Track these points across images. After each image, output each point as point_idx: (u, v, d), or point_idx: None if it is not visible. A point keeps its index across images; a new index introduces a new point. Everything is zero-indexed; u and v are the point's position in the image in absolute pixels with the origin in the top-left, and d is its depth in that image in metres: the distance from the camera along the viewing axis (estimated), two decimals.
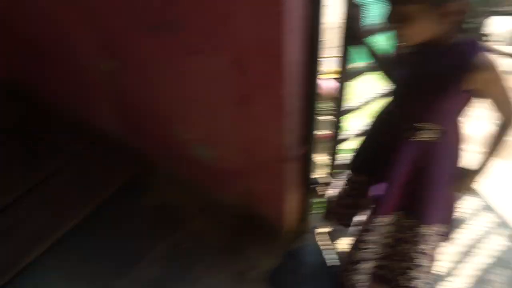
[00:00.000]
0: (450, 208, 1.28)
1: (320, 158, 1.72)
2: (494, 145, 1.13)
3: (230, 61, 1.35)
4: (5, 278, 1.62)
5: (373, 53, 1.28)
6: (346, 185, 1.45)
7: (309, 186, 1.69)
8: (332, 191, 1.58)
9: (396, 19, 0.98)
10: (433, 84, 1.03)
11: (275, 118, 1.39)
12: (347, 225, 1.54)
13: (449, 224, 1.30)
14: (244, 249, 1.76)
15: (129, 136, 2.11)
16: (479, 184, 1.23)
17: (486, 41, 1.04)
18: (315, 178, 1.72)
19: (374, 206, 1.27)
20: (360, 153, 1.39)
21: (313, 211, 1.82)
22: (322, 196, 1.73)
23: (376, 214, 1.25)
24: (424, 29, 0.96)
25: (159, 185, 2.06)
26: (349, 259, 1.39)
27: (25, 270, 1.69)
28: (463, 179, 1.22)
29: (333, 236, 1.81)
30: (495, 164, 1.18)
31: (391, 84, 1.23)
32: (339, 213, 1.54)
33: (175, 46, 1.47)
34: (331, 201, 1.58)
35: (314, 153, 1.58)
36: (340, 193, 1.49)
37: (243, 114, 1.48)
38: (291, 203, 1.69)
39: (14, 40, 2.21)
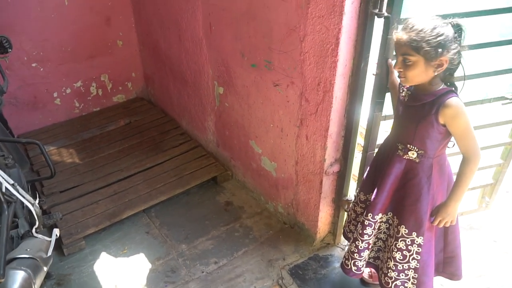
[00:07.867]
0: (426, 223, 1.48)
1: (354, 177, 2.01)
2: (459, 180, 1.39)
3: (299, 93, 1.87)
4: (106, 223, 2.27)
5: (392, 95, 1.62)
6: (355, 204, 1.73)
7: (341, 201, 1.99)
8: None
9: (401, 65, 1.31)
10: (419, 114, 1.36)
11: (321, 138, 1.83)
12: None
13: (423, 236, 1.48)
14: (279, 245, 2.14)
15: (220, 146, 2.73)
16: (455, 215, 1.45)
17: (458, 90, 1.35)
18: (347, 195, 1.99)
19: (368, 206, 1.57)
20: (367, 174, 1.68)
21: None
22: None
23: (368, 212, 1.55)
24: (420, 74, 1.29)
25: (232, 188, 2.60)
26: (350, 248, 1.67)
27: (121, 222, 2.33)
28: (439, 209, 1.46)
29: None
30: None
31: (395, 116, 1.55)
32: (349, 230, 1.81)
33: (265, 79, 2.04)
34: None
35: (349, 172, 1.91)
36: (350, 211, 1.78)
37: (300, 134, 1.95)
38: (325, 214, 2.03)
39: (166, 70, 3.12)
